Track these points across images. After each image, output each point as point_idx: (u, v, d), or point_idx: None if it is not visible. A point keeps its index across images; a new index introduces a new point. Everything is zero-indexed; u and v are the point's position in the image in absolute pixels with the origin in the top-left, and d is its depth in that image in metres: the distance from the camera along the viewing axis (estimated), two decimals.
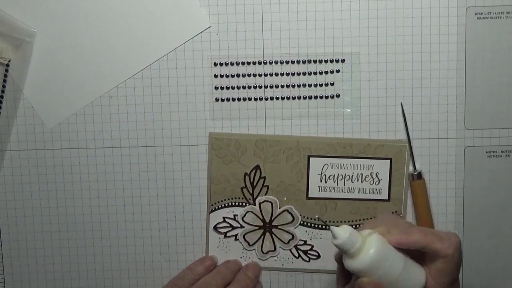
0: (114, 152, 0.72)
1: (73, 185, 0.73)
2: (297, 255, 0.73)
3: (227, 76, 0.71)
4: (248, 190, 0.72)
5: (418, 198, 0.70)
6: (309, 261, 0.73)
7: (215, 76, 0.71)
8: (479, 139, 0.70)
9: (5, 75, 0.70)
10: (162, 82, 0.71)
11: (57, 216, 0.73)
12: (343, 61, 0.70)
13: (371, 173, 0.71)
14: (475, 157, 0.71)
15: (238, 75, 0.70)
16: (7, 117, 0.72)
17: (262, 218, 0.72)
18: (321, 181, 0.71)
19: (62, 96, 0.71)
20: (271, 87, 0.71)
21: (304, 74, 0.70)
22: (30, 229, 0.73)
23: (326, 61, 0.70)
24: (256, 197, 0.72)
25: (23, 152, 0.72)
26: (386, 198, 0.71)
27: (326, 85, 0.70)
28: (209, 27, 0.70)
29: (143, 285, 0.74)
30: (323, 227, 0.72)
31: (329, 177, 0.71)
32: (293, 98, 0.71)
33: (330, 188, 0.71)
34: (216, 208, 0.72)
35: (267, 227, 0.72)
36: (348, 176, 0.71)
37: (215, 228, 0.73)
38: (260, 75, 0.70)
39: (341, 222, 0.71)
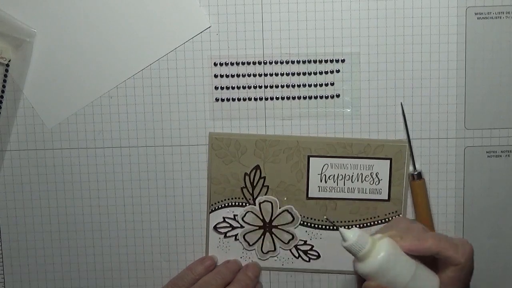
0: (114, 152, 0.72)
1: (73, 185, 0.73)
2: (297, 255, 0.73)
3: (227, 76, 0.71)
4: (248, 190, 0.72)
5: (418, 198, 0.70)
6: (309, 261, 0.73)
7: (215, 76, 0.71)
8: (479, 139, 0.70)
9: (5, 75, 0.70)
10: (162, 82, 0.71)
11: (57, 216, 0.73)
12: (343, 61, 0.70)
13: (371, 173, 0.71)
14: (475, 157, 0.71)
15: (238, 75, 0.70)
16: (7, 117, 0.72)
17: (262, 218, 0.72)
18: (321, 181, 0.71)
19: (62, 96, 0.71)
20: (271, 87, 0.71)
21: (304, 74, 0.70)
22: (30, 229, 0.73)
23: (326, 61, 0.70)
24: (256, 197, 0.72)
25: (23, 152, 0.72)
26: (386, 198, 0.71)
27: (326, 85, 0.70)
28: (209, 27, 0.70)
29: (143, 285, 0.74)
30: (323, 227, 0.72)
31: (329, 177, 0.71)
32: (293, 98, 0.71)
33: (330, 188, 0.71)
34: (216, 208, 0.72)
35: (267, 227, 0.72)
36: (348, 176, 0.71)
37: (215, 228, 0.73)
38: (260, 75, 0.70)
39: (341, 222, 0.71)
